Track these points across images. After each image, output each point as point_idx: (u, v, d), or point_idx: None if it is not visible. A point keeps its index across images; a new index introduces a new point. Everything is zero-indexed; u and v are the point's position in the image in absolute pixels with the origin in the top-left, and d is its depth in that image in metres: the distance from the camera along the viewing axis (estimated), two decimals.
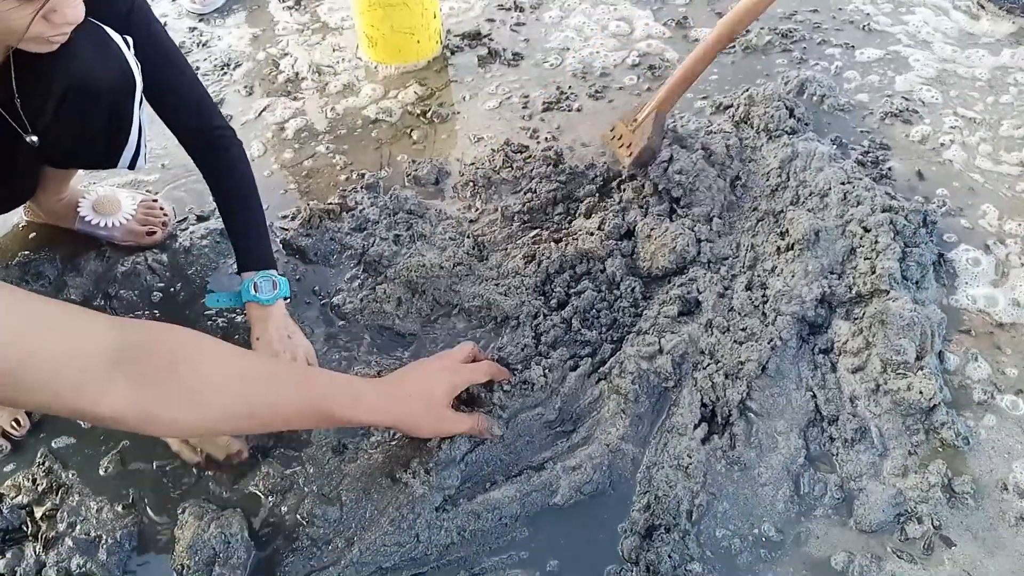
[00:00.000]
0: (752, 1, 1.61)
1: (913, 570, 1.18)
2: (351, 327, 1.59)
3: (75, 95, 1.33)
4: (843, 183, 1.66)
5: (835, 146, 1.85)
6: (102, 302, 1.64)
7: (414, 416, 1.28)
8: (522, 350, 1.49)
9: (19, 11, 1.10)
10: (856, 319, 1.47)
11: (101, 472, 1.38)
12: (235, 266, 1.55)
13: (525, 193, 1.84)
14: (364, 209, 1.80)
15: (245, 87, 2.22)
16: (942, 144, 1.89)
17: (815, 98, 2.00)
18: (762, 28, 2.25)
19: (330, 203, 1.82)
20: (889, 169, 1.82)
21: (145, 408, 1.01)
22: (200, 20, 2.53)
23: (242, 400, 1.11)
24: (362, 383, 1.27)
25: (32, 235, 1.81)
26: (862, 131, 1.93)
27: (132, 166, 1.51)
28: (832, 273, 1.55)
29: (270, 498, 1.33)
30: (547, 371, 1.45)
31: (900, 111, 1.98)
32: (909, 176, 1.81)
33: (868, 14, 2.31)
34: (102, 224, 1.73)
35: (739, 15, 1.64)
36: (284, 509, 1.31)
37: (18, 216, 1.83)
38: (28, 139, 1.36)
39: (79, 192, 1.79)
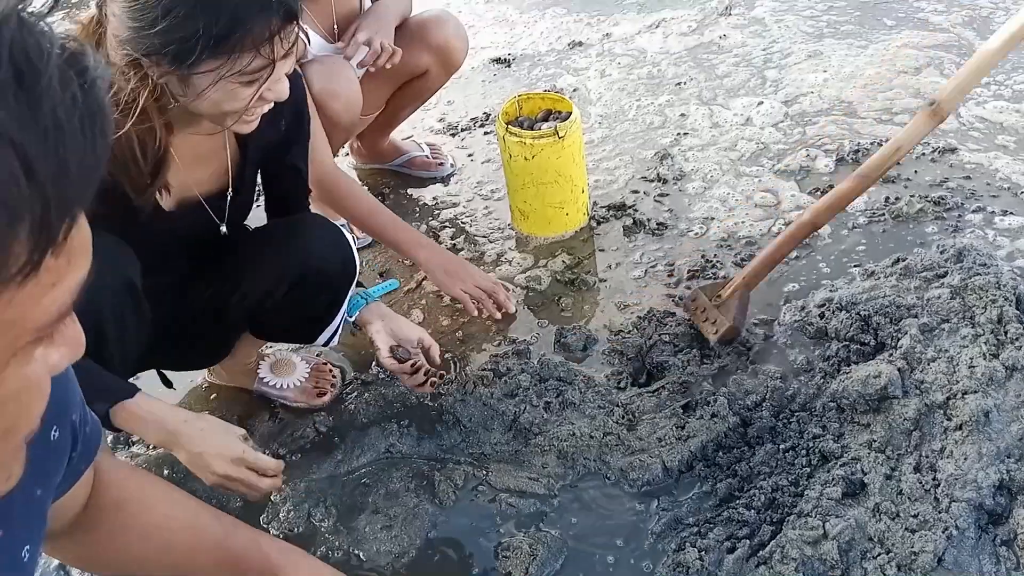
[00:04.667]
0: (845, 189, 1.72)
1: None
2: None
3: (311, 279, 1.50)
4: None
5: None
6: None
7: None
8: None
9: (242, 91, 1.19)
10: None
11: None
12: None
13: None
14: (515, 375, 1.86)
15: None
16: None
17: (974, 268, 1.94)
18: (912, 195, 2.24)
19: (483, 369, 1.89)
20: None
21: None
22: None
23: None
24: None
25: (213, 396, 1.97)
26: None
27: (327, 344, 1.65)
28: (1009, 457, 1.45)
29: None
30: (703, 553, 1.41)
31: None
32: None
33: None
34: (278, 385, 1.87)
35: (830, 202, 1.74)
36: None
37: (201, 377, 2.00)
38: (222, 229, 1.50)
39: (259, 355, 1.95)
